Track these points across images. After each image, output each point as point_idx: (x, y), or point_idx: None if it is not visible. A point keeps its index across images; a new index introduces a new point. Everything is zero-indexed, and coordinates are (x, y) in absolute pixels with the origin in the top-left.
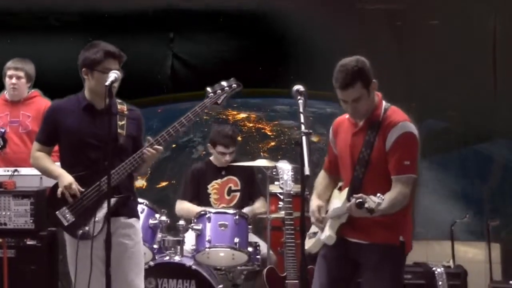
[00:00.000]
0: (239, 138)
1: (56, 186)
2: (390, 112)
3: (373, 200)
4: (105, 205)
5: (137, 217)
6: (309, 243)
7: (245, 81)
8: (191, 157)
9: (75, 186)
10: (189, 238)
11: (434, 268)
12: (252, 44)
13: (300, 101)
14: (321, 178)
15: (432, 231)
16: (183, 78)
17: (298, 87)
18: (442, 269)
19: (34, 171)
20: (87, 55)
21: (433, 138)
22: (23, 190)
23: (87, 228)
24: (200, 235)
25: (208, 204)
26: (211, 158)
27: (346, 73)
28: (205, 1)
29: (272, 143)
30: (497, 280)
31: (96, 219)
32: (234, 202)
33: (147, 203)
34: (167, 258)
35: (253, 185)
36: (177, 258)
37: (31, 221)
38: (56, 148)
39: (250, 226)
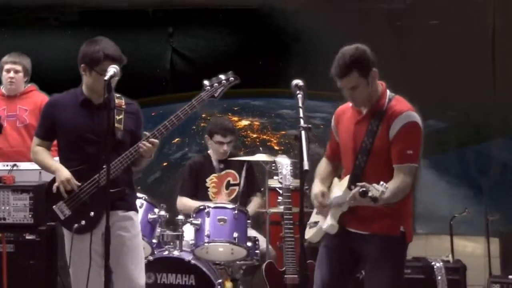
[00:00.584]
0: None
1: (53, 180)
2: (395, 101)
3: (376, 189)
4: (102, 199)
5: (136, 210)
6: (309, 233)
7: (245, 76)
8: None
9: (72, 181)
10: (188, 233)
11: (433, 263)
12: (252, 40)
13: (299, 96)
14: (323, 165)
15: (431, 225)
16: (182, 73)
17: (297, 81)
18: (441, 263)
19: (33, 166)
20: (87, 52)
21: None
22: (22, 185)
23: (83, 222)
24: (199, 230)
25: (206, 198)
26: (209, 151)
27: (344, 62)
28: None
29: None
30: (496, 274)
31: (93, 213)
32: (233, 196)
33: (146, 197)
34: (166, 252)
35: (253, 180)
36: (176, 253)
37: (30, 215)
38: (55, 142)
39: (249, 221)
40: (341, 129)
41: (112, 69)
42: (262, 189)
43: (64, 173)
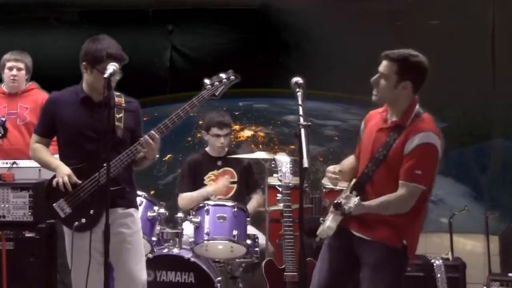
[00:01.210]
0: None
1: (53, 178)
2: (419, 119)
3: (348, 204)
4: (102, 197)
5: (136, 207)
6: (319, 229)
7: (245, 76)
8: None
9: (73, 176)
10: (188, 231)
11: (432, 261)
12: (252, 38)
13: (299, 93)
14: (349, 160)
15: (431, 224)
16: (182, 71)
17: (297, 79)
18: (441, 261)
19: (33, 164)
20: (90, 50)
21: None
22: (21, 183)
23: (83, 220)
24: (198, 228)
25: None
26: (207, 149)
27: (399, 51)
28: None
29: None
30: (496, 272)
31: (93, 211)
32: (231, 194)
33: (146, 195)
34: (166, 250)
35: (251, 178)
36: (175, 251)
37: (30, 213)
38: (55, 140)
39: (248, 219)
40: (366, 133)
41: (112, 67)
42: (262, 186)
43: (65, 169)
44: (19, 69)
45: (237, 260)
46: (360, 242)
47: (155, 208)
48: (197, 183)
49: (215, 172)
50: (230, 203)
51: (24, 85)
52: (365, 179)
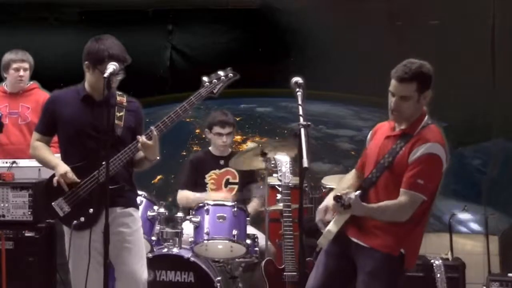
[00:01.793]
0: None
1: (52, 177)
2: (427, 129)
3: (349, 196)
4: (101, 195)
5: (136, 206)
6: (320, 239)
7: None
8: None
9: (71, 174)
10: (188, 230)
11: (432, 261)
12: (252, 38)
13: (299, 93)
14: (348, 177)
15: (430, 223)
16: (181, 71)
17: (297, 79)
18: (440, 261)
19: (32, 163)
20: (92, 50)
21: None
22: (21, 182)
23: (82, 218)
24: (198, 227)
25: None
26: (210, 147)
27: (410, 68)
28: None
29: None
30: (495, 272)
31: (92, 210)
32: (232, 194)
33: (146, 194)
34: (165, 250)
35: (252, 179)
36: (175, 250)
37: (29, 212)
38: (56, 139)
39: (248, 218)
40: (373, 142)
41: (112, 67)
42: (261, 187)
43: (64, 167)
44: (25, 70)
45: (236, 259)
46: (358, 249)
47: (155, 207)
48: (198, 181)
49: (217, 171)
50: (229, 203)
51: (26, 85)
52: (368, 184)
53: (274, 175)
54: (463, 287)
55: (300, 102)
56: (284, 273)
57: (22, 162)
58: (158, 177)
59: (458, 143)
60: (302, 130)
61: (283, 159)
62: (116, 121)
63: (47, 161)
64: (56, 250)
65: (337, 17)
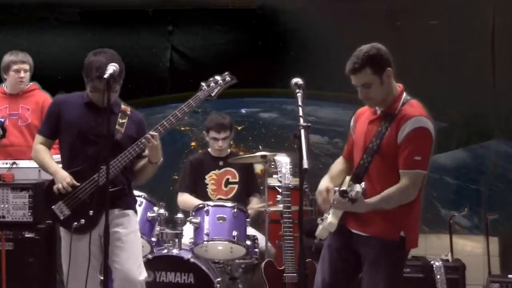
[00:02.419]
0: None
1: (53, 181)
2: (408, 105)
3: (355, 190)
4: (100, 198)
5: (134, 210)
6: (318, 229)
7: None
8: None
9: (70, 180)
10: (188, 231)
11: (432, 262)
12: (252, 39)
13: (299, 94)
14: (337, 163)
15: (430, 224)
16: (182, 71)
17: (297, 80)
18: (441, 262)
19: (32, 164)
20: (87, 63)
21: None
22: (21, 183)
23: (82, 220)
24: (198, 228)
25: (205, 194)
26: (209, 149)
27: (357, 58)
28: None
29: None
30: (495, 273)
31: (92, 212)
32: (232, 194)
33: (146, 196)
34: (165, 251)
35: (252, 178)
36: (175, 251)
37: (30, 213)
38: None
39: (248, 219)
40: (357, 128)
41: (112, 67)
42: (262, 187)
43: (63, 174)
44: (25, 71)
45: (236, 261)
46: (359, 240)
47: (155, 208)
48: (198, 183)
49: (217, 172)
50: (229, 204)
51: (26, 86)
52: (362, 170)
53: (274, 176)
54: None
55: (300, 103)
56: (284, 274)
57: (22, 163)
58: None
59: (458, 143)
60: (302, 131)
61: (283, 160)
62: (117, 126)
63: (47, 167)
64: (56, 251)
65: (337, 17)
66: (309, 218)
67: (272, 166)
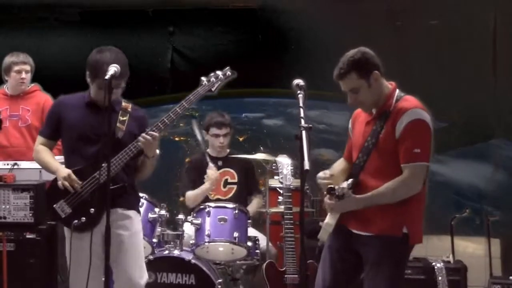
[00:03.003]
0: None
1: (55, 180)
2: (402, 100)
3: (341, 186)
4: (102, 196)
5: (137, 210)
6: (320, 232)
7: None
8: None
9: (72, 176)
10: (189, 232)
11: (434, 263)
12: (253, 39)
13: (300, 96)
14: (338, 163)
15: (431, 226)
16: (182, 72)
17: (298, 81)
18: (442, 264)
19: (33, 165)
20: (92, 61)
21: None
22: (22, 184)
23: (83, 218)
24: (199, 229)
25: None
26: (208, 149)
27: (342, 63)
28: None
29: None
30: (497, 275)
31: (93, 210)
32: (230, 195)
33: (147, 197)
34: (167, 252)
35: (252, 180)
36: (176, 252)
37: (31, 214)
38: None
39: (249, 221)
40: (355, 129)
41: (113, 68)
42: (263, 188)
43: (65, 170)
44: (26, 72)
45: (238, 262)
46: (360, 239)
47: (156, 209)
48: (197, 182)
49: None
50: (231, 205)
51: (27, 87)
52: (357, 169)
53: (275, 177)
54: None
55: (301, 104)
56: (285, 276)
57: (24, 164)
58: None
59: (458, 143)
60: (304, 133)
61: (284, 162)
62: (118, 124)
63: (48, 166)
64: (57, 251)
65: (337, 17)
66: (310, 219)
67: (273, 167)
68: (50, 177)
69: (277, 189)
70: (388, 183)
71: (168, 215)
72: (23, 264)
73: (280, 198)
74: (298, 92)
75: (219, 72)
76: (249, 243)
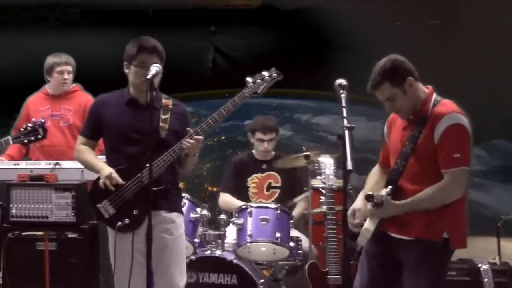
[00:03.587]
0: None
1: (97, 180)
2: (439, 105)
3: (379, 194)
4: (145, 197)
5: (180, 211)
6: (358, 238)
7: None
8: None
9: (116, 176)
10: (230, 232)
11: (479, 265)
12: (293, 38)
13: (343, 95)
14: (373, 173)
15: (477, 227)
16: (224, 72)
17: (341, 81)
18: (488, 266)
19: (75, 164)
20: (126, 49)
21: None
22: (64, 183)
23: (126, 220)
24: (241, 230)
25: (246, 197)
26: (253, 151)
27: (374, 74)
28: None
29: None
30: None
31: (136, 211)
32: (273, 198)
33: (188, 197)
34: (208, 252)
35: (295, 183)
36: (218, 252)
37: (72, 214)
38: (101, 142)
39: (291, 221)
40: (392, 135)
41: (155, 68)
42: (305, 189)
43: (108, 169)
44: (68, 72)
45: (280, 262)
46: (399, 244)
47: (198, 209)
48: (240, 184)
49: (259, 175)
50: (273, 205)
51: (69, 87)
52: (396, 175)
53: (318, 177)
54: None
55: (344, 104)
56: (328, 276)
57: (65, 164)
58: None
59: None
60: (346, 132)
61: (327, 161)
62: (161, 124)
63: (92, 165)
64: (99, 251)
65: (378, 17)
66: None
67: (316, 167)
68: (92, 176)
69: (320, 189)
70: (428, 189)
71: (210, 215)
72: (65, 264)
73: (323, 198)
74: (341, 92)
75: (265, 73)
76: (291, 244)
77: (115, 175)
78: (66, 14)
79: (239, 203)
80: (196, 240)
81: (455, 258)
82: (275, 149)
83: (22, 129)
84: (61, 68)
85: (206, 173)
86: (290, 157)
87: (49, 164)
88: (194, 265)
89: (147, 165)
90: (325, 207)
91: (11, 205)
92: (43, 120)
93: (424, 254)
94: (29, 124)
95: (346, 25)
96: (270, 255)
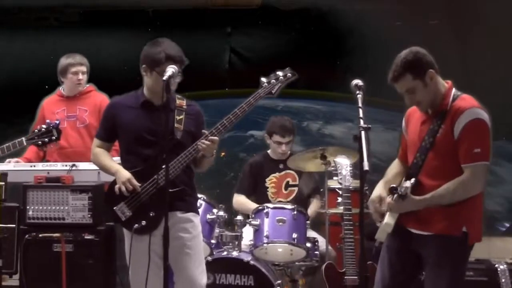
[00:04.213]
0: None
1: (114, 182)
2: (459, 100)
3: (404, 186)
4: (161, 199)
5: (196, 211)
6: (378, 232)
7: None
8: None
9: (133, 181)
10: (247, 233)
11: (496, 265)
12: (309, 39)
13: (359, 96)
14: (393, 165)
15: (493, 227)
16: (240, 72)
17: (357, 81)
18: (505, 266)
19: (92, 166)
20: (149, 53)
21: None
22: (81, 185)
23: (143, 222)
24: (258, 230)
25: (265, 197)
26: (269, 151)
27: (396, 66)
28: None
29: None
30: None
31: (153, 213)
32: (292, 196)
33: (205, 198)
34: (225, 253)
35: (312, 181)
36: (235, 253)
37: (89, 215)
38: (116, 143)
39: (308, 222)
40: (410, 129)
41: (171, 69)
42: (321, 189)
43: (125, 173)
44: (83, 73)
45: (296, 263)
46: (419, 239)
47: (214, 210)
48: (259, 185)
49: (277, 174)
50: (289, 206)
51: (84, 88)
52: (416, 169)
53: (334, 178)
54: None
55: (360, 105)
56: (345, 277)
57: (82, 165)
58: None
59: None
60: (363, 133)
61: (343, 162)
62: (176, 125)
63: (108, 168)
64: (115, 252)
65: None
66: (370, 220)
67: (332, 168)
68: (108, 178)
69: (336, 190)
70: (448, 183)
71: (226, 216)
72: (81, 265)
73: (339, 199)
74: (357, 92)
75: (279, 73)
76: (308, 244)
77: (133, 181)
78: (66, 14)
79: (253, 205)
80: (212, 241)
81: (472, 259)
82: None
83: (36, 131)
84: (76, 68)
85: None
86: (305, 154)
87: (66, 165)
88: (211, 266)
89: (163, 166)
90: (341, 207)
91: (27, 207)
92: (57, 122)
93: (444, 250)
94: (43, 126)
95: (360, 27)
96: (287, 256)
